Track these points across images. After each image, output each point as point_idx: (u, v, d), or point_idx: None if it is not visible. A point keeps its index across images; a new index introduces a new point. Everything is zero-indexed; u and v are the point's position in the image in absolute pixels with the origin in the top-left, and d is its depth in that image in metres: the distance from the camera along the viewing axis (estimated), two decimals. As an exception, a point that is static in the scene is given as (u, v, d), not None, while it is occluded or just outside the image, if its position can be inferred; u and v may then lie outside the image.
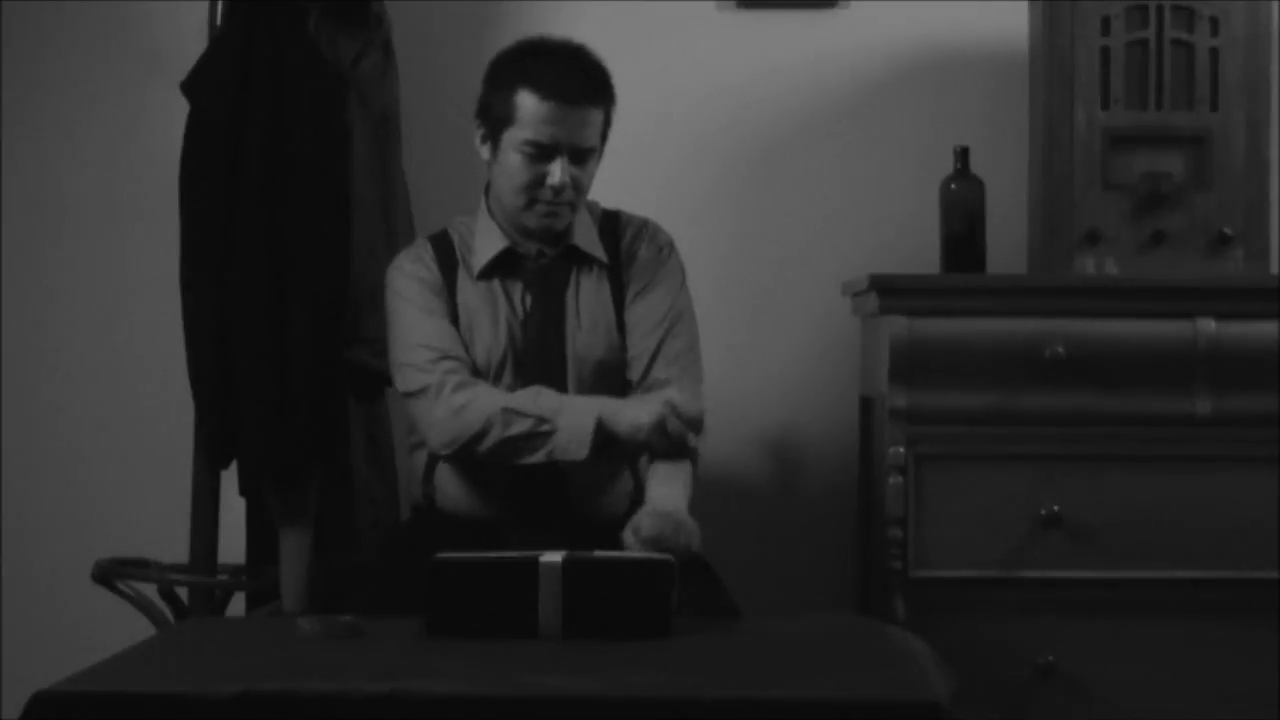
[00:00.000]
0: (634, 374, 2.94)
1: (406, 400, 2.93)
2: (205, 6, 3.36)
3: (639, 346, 2.94)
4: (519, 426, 2.80)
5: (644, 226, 3.02)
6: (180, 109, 3.24)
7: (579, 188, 2.88)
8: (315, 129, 3.18)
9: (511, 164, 2.87)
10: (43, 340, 3.70)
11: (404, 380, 2.92)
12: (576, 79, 2.85)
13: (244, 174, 3.16)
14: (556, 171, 2.84)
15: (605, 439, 2.80)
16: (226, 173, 3.17)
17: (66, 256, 3.70)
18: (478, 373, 2.90)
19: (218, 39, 3.27)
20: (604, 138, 2.92)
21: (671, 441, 2.80)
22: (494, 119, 2.88)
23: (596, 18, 3.61)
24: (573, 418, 2.79)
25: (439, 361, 2.87)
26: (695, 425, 2.81)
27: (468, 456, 2.85)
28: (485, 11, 3.62)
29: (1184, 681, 3.14)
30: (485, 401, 2.82)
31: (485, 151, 2.92)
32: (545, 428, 2.80)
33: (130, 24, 3.67)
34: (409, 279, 2.94)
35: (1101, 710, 3.14)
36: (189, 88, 3.23)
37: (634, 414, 2.80)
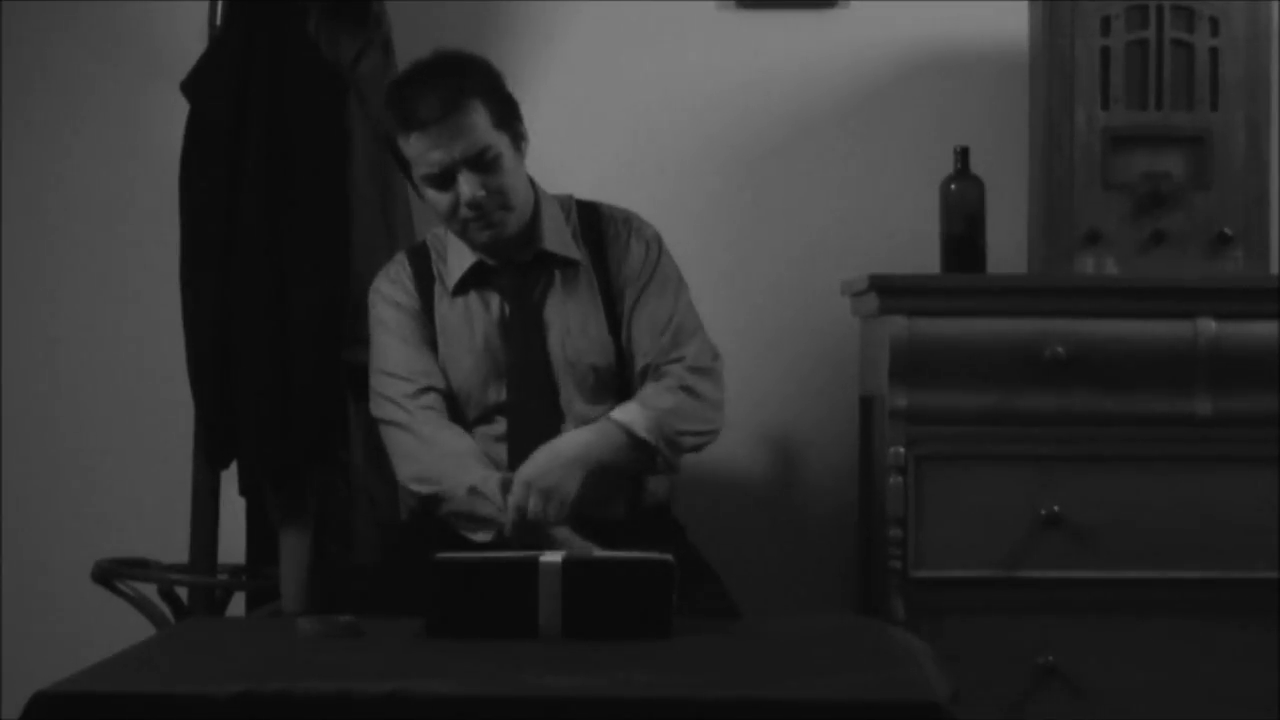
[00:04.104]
0: (647, 372, 2.92)
1: (380, 427, 2.94)
2: (205, 7, 3.36)
3: (648, 351, 2.91)
4: (483, 509, 2.80)
5: (627, 222, 2.98)
6: (180, 109, 3.24)
7: (499, 190, 2.82)
8: (315, 129, 3.18)
9: (430, 198, 2.86)
10: (43, 340, 3.70)
11: (378, 409, 2.93)
12: (426, 98, 2.79)
13: (244, 174, 3.17)
14: (464, 189, 2.80)
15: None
16: (226, 173, 3.17)
17: (66, 256, 3.70)
18: (455, 400, 2.90)
19: (218, 39, 3.27)
20: (507, 121, 2.84)
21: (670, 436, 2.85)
22: (402, 166, 2.89)
23: (596, 18, 3.61)
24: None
25: (415, 396, 2.88)
26: (708, 374, 2.93)
27: (431, 509, 2.86)
28: (485, 11, 3.61)
29: (1184, 681, 3.13)
30: (454, 469, 2.82)
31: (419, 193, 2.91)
32: (504, 517, 2.79)
33: (130, 24, 3.67)
34: (387, 304, 2.95)
35: (1101, 710, 3.14)
36: (189, 88, 3.24)
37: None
